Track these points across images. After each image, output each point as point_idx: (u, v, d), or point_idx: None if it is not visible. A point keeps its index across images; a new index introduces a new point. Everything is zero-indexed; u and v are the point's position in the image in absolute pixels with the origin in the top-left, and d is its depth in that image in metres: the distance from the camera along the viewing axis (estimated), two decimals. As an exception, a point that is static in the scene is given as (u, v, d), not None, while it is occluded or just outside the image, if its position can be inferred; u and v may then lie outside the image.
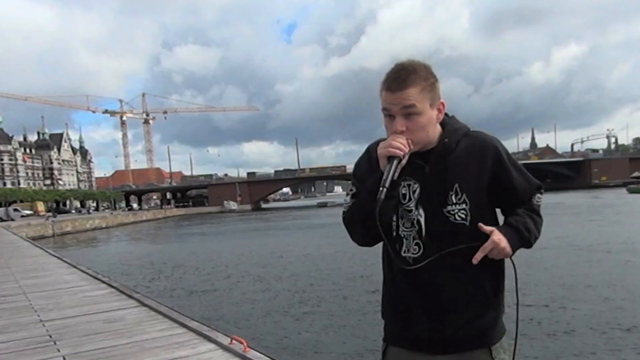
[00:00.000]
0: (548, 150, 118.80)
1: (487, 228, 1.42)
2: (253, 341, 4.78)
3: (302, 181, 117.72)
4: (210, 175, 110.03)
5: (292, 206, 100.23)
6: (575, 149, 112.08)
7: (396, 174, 1.43)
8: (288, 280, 13.75)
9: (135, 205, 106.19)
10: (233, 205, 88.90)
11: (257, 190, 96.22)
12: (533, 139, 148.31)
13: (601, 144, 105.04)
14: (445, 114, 1.55)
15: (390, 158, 1.42)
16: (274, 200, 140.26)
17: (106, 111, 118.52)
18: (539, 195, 1.56)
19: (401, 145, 1.41)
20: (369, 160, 1.55)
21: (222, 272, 16.35)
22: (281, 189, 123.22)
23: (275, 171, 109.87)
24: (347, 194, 1.60)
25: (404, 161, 1.44)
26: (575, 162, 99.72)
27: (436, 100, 1.47)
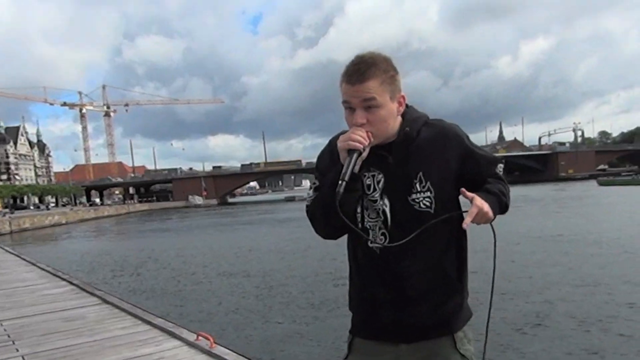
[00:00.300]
0: (516, 143, 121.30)
1: (469, 194, 1.43)
2: (220, 337, 4.74)
3: (270, 175, 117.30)
4: (175, 170, 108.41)
5: (259, 200, 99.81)
6: (543, 142, 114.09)
7: (357, 167, 1.43)
8: (255, 276, 13.68)
9: (97, 200, 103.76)
10: (198, 199, 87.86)
11: (223, 184, 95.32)
12: (501, 132, 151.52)
13: (568, 137, 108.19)
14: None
15: (350, 151, 1.41)
16: (241, 195, 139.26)
17: (65, 104, 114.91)
18: (500, 165, 1.60)
19: (360, 138, 1.41)
20: (331, 153, 1.54)
21: (187, 268, 16.14)
22: (248, 183, 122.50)
23: (242, 165, 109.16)
24: (310, 188, 1.60)
25: (364, 154, 1.44)
26: (542, 155, 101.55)
27: (396, 93, 1.48)
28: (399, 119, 1.53)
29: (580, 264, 12.31)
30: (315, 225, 1.55)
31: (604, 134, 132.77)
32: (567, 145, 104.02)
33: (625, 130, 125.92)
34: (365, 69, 1.42)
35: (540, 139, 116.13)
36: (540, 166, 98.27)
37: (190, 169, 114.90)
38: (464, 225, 1.43)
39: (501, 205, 1.50)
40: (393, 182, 1.50)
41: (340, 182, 1.39)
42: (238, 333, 8.17)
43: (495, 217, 1.46)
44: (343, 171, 1.40)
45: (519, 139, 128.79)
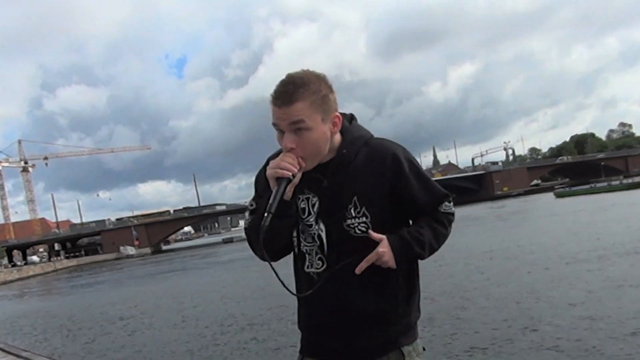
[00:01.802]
0: (450, 166, 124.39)
1: (377, 236, 1.39)
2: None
3: (204, 218, 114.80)
4: (103, 221, 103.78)
5: (195, 245, 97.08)
6: (476, 163, 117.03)
7: (289, 194, 1.38)
8: (192, 323, 13.24)
9: (21, 262, 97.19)
10: (130, 250, 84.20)
11: (155, 232, 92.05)
12: (435, 156, 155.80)
13: (500, 156, 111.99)
14: (346, 119, 1.51)
15: (279, 179, 1.35)
16: (176, 241, 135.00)
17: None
18: (446, 203, 1.50)
19: (289, 166, 1.35)
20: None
21: (122, 321, 15.37)
22: (182, 228, 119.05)
23: (175, 210, 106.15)
24: (247, 209, 1.52)
25: (295, 180, 1.37)
26: (477, 175, 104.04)
27: (330, 114, 1.40)
28: (338, 136, 1.45)
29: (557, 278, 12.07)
30: (253, 247, 1.47)
31: (534, 150, 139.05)
32: (500, 164, 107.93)
33: (553, 146, 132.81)
34: (293, 90, 1.34)
35: (473, 160, 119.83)
36: (475, 186, 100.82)
37: (119, 219, 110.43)
38: (357, 271, 1.40)
39: (412, 254, 1.43)
40: (328, 206, 1.44)
41: (265, 214, 1.33)
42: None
43: (400, 265, 1.42)
44: (270, 202, 1.33)
45: (453, 161, 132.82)
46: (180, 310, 15.60)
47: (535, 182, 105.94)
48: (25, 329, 16.63)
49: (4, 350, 6.91)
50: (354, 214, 1.42)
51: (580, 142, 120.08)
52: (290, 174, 1.35)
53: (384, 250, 1.38)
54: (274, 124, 1.39)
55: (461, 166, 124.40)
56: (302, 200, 1.46)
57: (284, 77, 1.38)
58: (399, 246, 1.40)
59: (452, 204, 1.52)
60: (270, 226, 1.33)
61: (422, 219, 1.48)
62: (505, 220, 34.52)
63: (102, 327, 14.60)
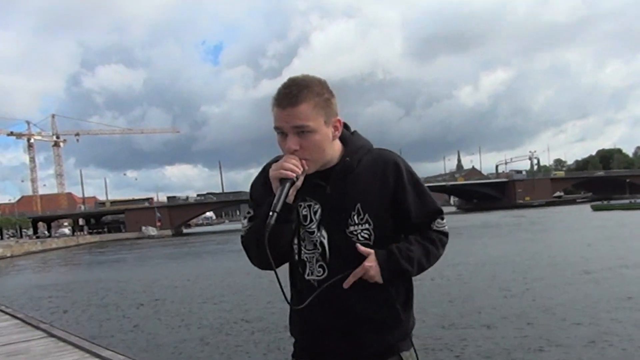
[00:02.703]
0: (474, 171, 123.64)
1: (365, 250, 1.40)
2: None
3: (226, 205, 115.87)
4: (128, 200, 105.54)
5: (215, 230, 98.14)
6: (500, 170, 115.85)
7: (291, 197, 1.37)
8: (207, 306, 13.45)
9: (46, 232, 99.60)
10: (152, 230, 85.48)
11: (178, 215, 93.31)
12: (459, 160, 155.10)
13: (524, 165, 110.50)
14: (347, 130, 1.52)
15: (283, 180, 1.35)
16: (197, 225, 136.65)
17: (11, 133, 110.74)
18: (439, 221, 1.50)
19: (293, 167, 1.35)
20: (265, 181, 1.45)
21: (138, 299, 15.68)
22: (204, 213, 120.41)
23: (198, 195, 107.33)
24: (245, 217, 1.53)
25: (298, 183, 1.37)
26: (500, 183, 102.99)
27: (332, 117, 1.41)
28: (338, 144, 1.47)
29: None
30: (251, 256, 1.47)
31: (559, 162, 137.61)
32: (524, 173, 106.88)
33: (579, 159, 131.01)
34: (297, 92, 1.35)
35: (497, 167, 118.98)
36: (497, 194, 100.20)
37: (144, 199, 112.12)
38: (345, 285, 1.40)
39: (399, 271, 1.42)
40: (330, 213, 1.43)
41: (270, 213, 1.31)
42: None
43: (387, 281, 1.41)
44: (274, 202, 1.32)
45: (477, 167, 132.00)
46: (195, 294, 15.76)
47: (558, 193, 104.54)
48: (44, 301, 17.01)
49: (23, 321, 7.03)
50: (357, 221, 1.42)
51: (607, 157, 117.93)
52: (294, 175, 1.35)
53: (371, 264, 1.39)
54: (277, 127, 1.39)
55: (484, 172, 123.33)
56: (304, 207, 1.45)
57: (285, 80, 1.39)
58: (386, 261, 1.40)
59: (445, 221, 1.52)
60: (274, 226, 1.31)
61: (414, 236, 1.47)
62: (546, 231, 33.24)
63: (118, 305, 14.83)
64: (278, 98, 1.37)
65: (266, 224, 1.31)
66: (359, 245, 1.40)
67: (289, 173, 1.35)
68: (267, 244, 1.31)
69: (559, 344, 7.84)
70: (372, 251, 1.40)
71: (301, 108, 1.35)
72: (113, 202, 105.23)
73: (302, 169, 1.37)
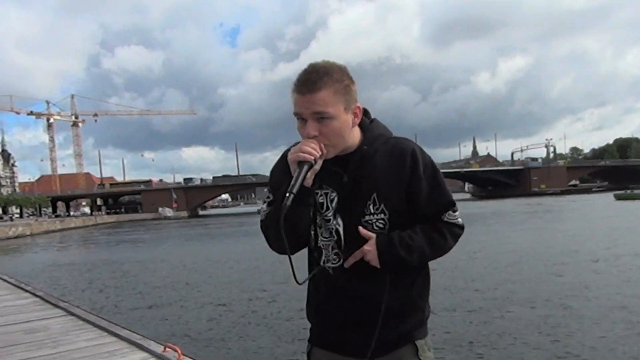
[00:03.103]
0: (489, 158, 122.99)
1: (366, 233, 1.42)
2: (188, 349, 4.67)
3: (242, 187, 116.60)
4: (145, 181, 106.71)
5: (230, 213, 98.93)
6: (515, 157, 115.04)
7: (309, 181, 1.38)
8: (224, 288, 13.53)
9: (64, 213, 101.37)
10: (168, 212, 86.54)
11: (194, 196, 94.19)
12: (474, 147, 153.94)
13: (540, 153, 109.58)
14: (366, 116, 1.51)
15: (300, 163, 1.35)
16: (212, 207, 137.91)
17: (31, 113, 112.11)
18: (450, 212, 1.49)
19: (312, 150, 1.35)
20: (284, 167, 1.45)
21: (155, 279, 15.87)
22: (220, 195, 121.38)
23: (214, 177, 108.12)
24: (264, 202, 1.54)
25: (316, 167, 1.38)
26: (515, 170, 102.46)
27: (352, 104, 1.41)
28: (357, 131, 1.46)
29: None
30: (269, 240, 1.49)
31: (575, 150, 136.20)
32: (540, 160, 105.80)
33: (596, 147, 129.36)
34: (317, 79, 1.35)
35: (512, 154, 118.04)
36: (512, 181, 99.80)
37: (161, 180, 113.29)
38: (345, 265, 1.44)
39: (397, 259, 1.42)
40: (347, 202, 1.44)
41: (287, 194, 1.32)
42: (206, 344, 8.08)
43: (385, 267, 1.41)
44: (292, 183, 1.33)
45: (492, 154, 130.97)
46: (212, 275, 15.87)
47: (573, 182, 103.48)
48: (63, 280, 17.28)
49: (42, 299, 7.09)
50: (372, 210, 1.43)
51: (624, 146, 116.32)
52: (312, 158, 1.35)
53: (369, 249, 1.41)
54: (296, 113, 1.40)
55: (500, 159, 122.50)
56: (321, 195, 1.46)
57: (305, 66, 1.39)
58: (384, 248, 1.41)
59: (457, 213, 1.51)
60: (291, 208, 1.32)
61: (422, 226, 1.47)
62: (570, 220, 32.83)
63: (135, 285, 15.00)
64: (298, 84, 1.38)
65: (282, 205, 1.32)
66: (361, 229, 1.42)
67: (307, 156, 1.35)
68: (282, 224, 1.32)
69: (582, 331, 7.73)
70: (373, 235, 1.42)
71: (321, 94, 1.35)
72: (113, 184, 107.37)
73: (320, 153, 1.37)
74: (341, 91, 1.37)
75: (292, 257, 1.40)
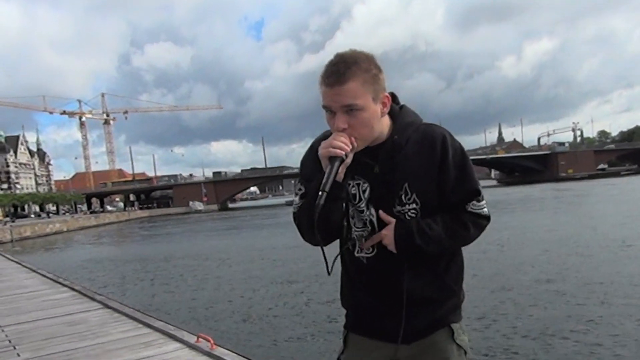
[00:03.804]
0: (515, 144, 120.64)
1: (386, 218, 1.42)
2: (220, 339, 4.76)
3: (270, 180, 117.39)
4: (175, 176, 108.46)
5: (259, 205, 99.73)
6: (542, 142, 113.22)
7: (341, 175, 1.37)
8: (254, 278, 13.69)
9: (103, 207, 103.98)
10: (199, 205, 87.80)
11: (223, 190, 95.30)
12: (500, 133, 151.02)
13: (567, 137, 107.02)
14: (395, 102, 1.49)
15: (332, 158, 1.34)
16: (241, 200, 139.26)
17: (64, 112, 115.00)
18: (475, 202, 1.46)
19: (342, 145, 1.34)
20: (315, 156, 1.43)
21: (188, 271, 16.17)
22: (248, 188, 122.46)
23: (242, 170, 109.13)
24: (296, 194, 1.53)
25: (347, 160, 1.36)
26: (542, 155, 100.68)
27: (380, 94, 1.38)
28: (387, 119, 1.45)
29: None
30: (303, 232, 1.49)
31: (603, 133, 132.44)
32: (567, 145, 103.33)
33: (624, 129, 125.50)
34: (345, 69, 1.32)
35: (539, 139, 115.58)
36: (539, 166, 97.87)
37: (191, 175, 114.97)
38: (361, 247, 1.46)
39: (412, 246, 1.40)
40: (379, 192, 1.44)
41: (320, 192, 1.31)
42: (238, 334, 8.22)
43: (402, 253, 1.41)
44: (323, 181, 1.32)
45: (519, 139, 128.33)
46: (245, 267, 16.07)
47: (601, 166, 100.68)
48: (99, 274, 17.75)
49: (80, 293, 7.32)
50: (404, 200, 1.42)
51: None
52: (344, 153, 1.34)
53: (387, 233, 1.41)
54: (325, 106, 1.38)
55: (526, 145, 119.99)
56: (353, 186, 1.45)
57: (332, 57, 1.37)
58: (401, 233, 1.41)
59: (483, 203, 1.47)
60: (324, 205, 1.31)
61: (443, 215, 1.45)
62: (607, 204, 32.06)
63: (169, 279, 15.30)
64: (325, 76, 1.35)
65: (316, 204, 1.31)
66: (381, 212, 1.42)
67: (338, 151, 1.33)
68: (316, 226, 1.33)
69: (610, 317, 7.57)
70: (393, 220, 1.42)
71: (349, 86, 1.33)
72: (114, 182, 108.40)
73: (351, 147, 1.36)
74: (369, 81, 1.35)
75: (324, 248, 1.41)
